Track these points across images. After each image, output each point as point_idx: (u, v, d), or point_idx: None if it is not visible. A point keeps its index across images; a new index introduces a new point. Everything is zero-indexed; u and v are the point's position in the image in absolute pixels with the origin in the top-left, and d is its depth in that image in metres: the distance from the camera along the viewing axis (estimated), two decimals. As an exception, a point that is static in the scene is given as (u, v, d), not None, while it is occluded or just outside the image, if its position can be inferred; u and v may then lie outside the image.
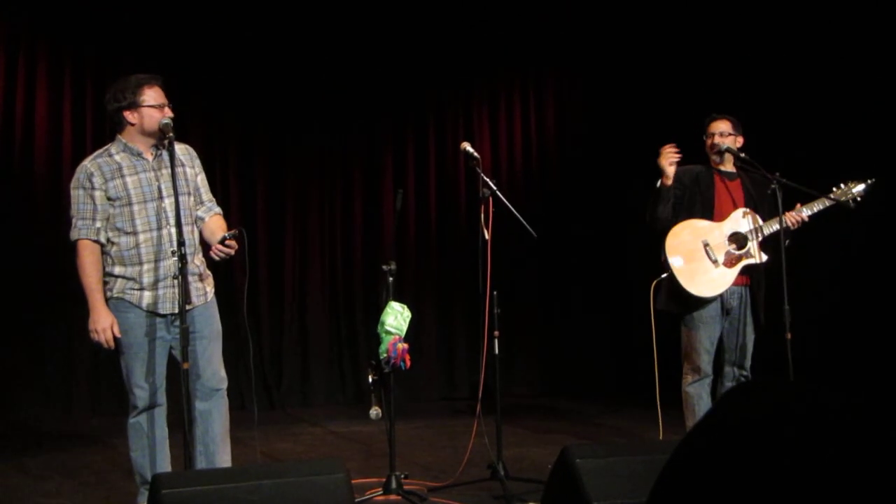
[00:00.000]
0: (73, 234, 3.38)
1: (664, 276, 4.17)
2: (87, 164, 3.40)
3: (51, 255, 5.93)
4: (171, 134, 3.31)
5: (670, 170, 4.16)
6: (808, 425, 1.04)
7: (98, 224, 3.35)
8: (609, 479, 2.90)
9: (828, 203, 4.15)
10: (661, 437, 4.36)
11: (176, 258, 3.21)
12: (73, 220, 3.38)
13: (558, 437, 5.24)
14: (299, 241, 7.00)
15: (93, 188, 3.34)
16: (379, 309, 3.84)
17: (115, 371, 6.10)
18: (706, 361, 4.17)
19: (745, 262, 4.14)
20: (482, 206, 3.96)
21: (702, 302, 4.13)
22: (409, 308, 3.84)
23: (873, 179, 4.18)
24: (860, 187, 4.17)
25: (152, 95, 3.39)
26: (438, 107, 7.39)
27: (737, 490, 1.04)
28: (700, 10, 6.61)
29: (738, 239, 4.15)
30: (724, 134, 4.25)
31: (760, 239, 4.14)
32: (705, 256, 4.12)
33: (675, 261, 4.12)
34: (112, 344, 3.33)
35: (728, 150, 4.23)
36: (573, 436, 5.45)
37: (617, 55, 7.34)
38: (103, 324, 3.31)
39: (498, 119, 7.54)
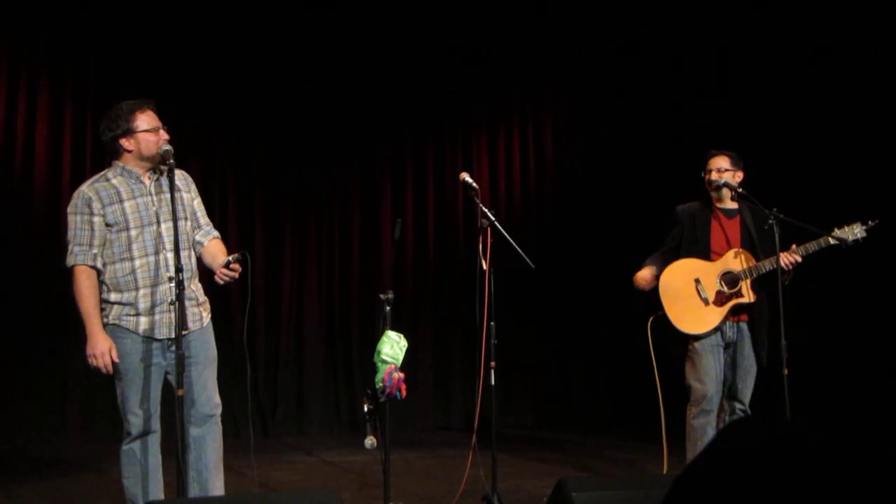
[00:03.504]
0: (70, 260, 3.35)
1: (659, 312, 4.19)
2: (85, 189, 3.39)
3: (46, 280, 5.91)
4: (171, 161, 3.32)
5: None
6: (804, 462, 1.04)
7: (95, 250, 3.34)
8: (605, 513, 2.88)
9: (824, 244, 4.11)
10: (664, 471, 4.32)
11: (172, 284, 3.21)
12: (70, 246, 3.36)
13: (554, 469, 5.21)
14: (297, 269, 7.00)
15: (91, 214, 3.34)
16: (375, 338, 3.83)
17: (109, 397, 6.07)
18: (712, 391, 4.14)
19: (734, 301, 4.15)
20: (480, 237, 3.97)
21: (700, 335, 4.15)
22: (406, 337, 3.84)
23: (875, 221, 4.13)
24: (861, 229, 4.10)
25: (146, 120, 3.40)
26: (437, 136, 7.43)
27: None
28: (700, 40, 6.69)
29: (730, 279, 4.16)
30: (721, 170, 4.27)
31: (754, 278, 4.15)
32: (695, 294, 4.14)
33: (666, 298, 4.15)
34: (110, 369, 3.31)
35: (726, 184, 4.25)
36: (569, 468, 5.41)
37: (615, 84, 7.40)
38: (101, 348, 3.29)
39: (497, 149, 7.58)
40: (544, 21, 7.30)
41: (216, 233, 3.64)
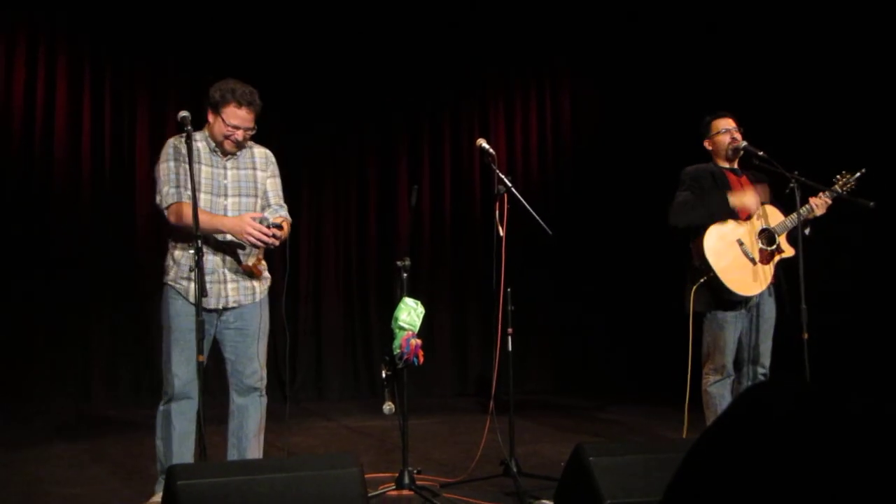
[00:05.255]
0: (167, 200, 3.39)
1: (703, 279, 4.13)
2: (174, 140, 3.48)
3: (70, 245, 5.97)
4: (188, 127, 3.31)
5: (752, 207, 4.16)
6: (824, 426, 1.03)
7: (189, 191, 3.33)
8: (623, 477, 2.90)
9: (834, 195, 4.19)
10: (685, 437, 4.33)
11: (230, 256, 3.33)
12: (164, 189, 3.40)
13: (572, 435, 5.24)
14: (314, 237, 7.03)
15: (183, 161, 3.38)
16: (393, 304, 3.84)
17: (133, 362, 6.15)
18: (730, 361, 4.17)
19: (778, 257, 4.15)
20: (497, 203, 3.95)
21: (730, 302, 4.12)
22: (423, 304, 3.85)
23: (863, 170, 4.21)
24: (855, 176, 4.20)
25: (233, 113, 3.45)
26: (454, 102, 7.39)
27: (752, 490, 1.04)
28: (716, 7, 6.57)
29: (768, 235, 4.16)
30: (732, 129, 4.25)
31: (788, 231, 4.16)
32: (742, 255, 4.12)
33: (717, 263, 4.09)
34: (267, 232, 3.30)
35: (746, 148, 4.21)
36: (587, 433, 5.44)
37: (633, 50, 7.32)
38: (244, 221, 3.31)
39: (514, 115, 7.53)
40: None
41: (285, 214, 3.64)
